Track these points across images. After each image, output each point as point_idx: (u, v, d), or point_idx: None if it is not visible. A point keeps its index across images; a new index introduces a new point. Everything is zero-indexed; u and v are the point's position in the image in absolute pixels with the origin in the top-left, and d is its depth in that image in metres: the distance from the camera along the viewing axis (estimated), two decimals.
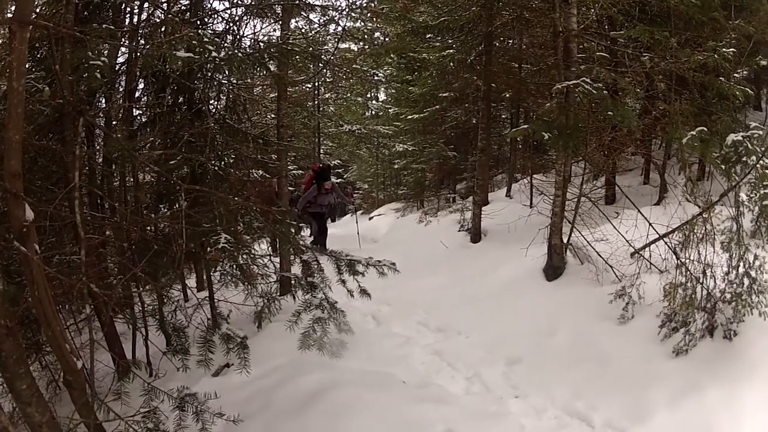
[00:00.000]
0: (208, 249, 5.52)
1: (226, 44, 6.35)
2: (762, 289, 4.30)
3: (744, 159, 4.70)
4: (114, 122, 6.60)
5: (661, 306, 4.97)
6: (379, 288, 6.34)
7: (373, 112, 24.33)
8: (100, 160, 6.20)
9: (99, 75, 4.27)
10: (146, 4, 6.27)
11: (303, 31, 8.81)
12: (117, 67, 6.26)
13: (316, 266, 5.37)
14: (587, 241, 6.79)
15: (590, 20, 7.69)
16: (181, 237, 4.53)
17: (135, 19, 6.35)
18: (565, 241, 6.97)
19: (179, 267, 4.98)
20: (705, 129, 5.30)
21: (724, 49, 6.24)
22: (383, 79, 21.75)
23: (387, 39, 17.73)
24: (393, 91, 21.81)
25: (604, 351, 5.07)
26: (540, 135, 6.61)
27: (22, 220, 3.01)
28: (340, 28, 8.91)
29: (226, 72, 6.37)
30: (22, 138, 3.04)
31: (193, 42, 4.87)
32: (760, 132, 4.88)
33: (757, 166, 4.69)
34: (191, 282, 8.11)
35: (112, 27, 5.23)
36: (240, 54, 5.82)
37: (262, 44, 6.47)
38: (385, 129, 21.04)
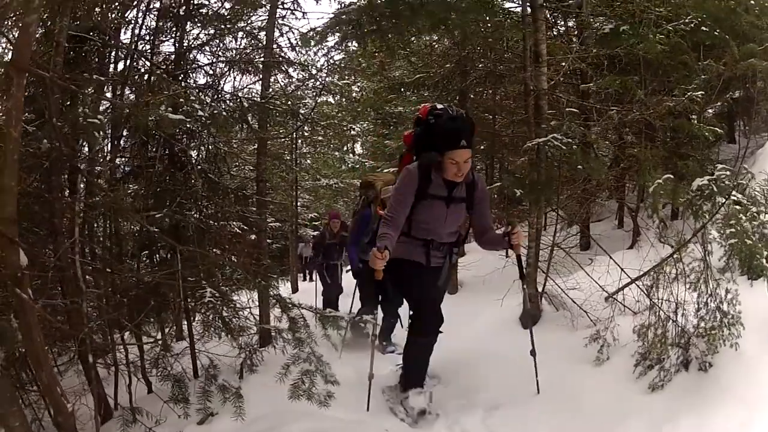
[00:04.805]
0: (192, 303, 5.63)
1: (208, 98, 6.52)
2: (733, 322, 4.43)
3: (713, 198, 4.90)
4: (98, 169, 6.65)
5: (635, 346, 5.09)
6: None
7: (350, 166, 24.55)
8: (82, 206, 6.23)
9: (97, 134, 4.33)
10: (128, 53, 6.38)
11: (282, 85, 8.98)
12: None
13: (302, 323, 5.50)
14: (561, 289, 6.93)
15: (562, 73, 7.93)
16: (179, 295, 4.66)
17: (120, 66, 6.47)
18: (540, 289, 7.11)
19: (177, 319, 5.02)
20: (671, 176, 5.51)
21: (693, 93, 6.49)
22: (359, 133, 22.06)
23: (363, 94, 18.04)
24: (369, 144, 22.08)
25: (581, 392, 5.13)
26: (512, 191, 6.81)
27: (17, 266, 3.07)
28: (318, 84, 9.15)
29: (210, 129, 6.50)
30: (17, 185, 3.12)
31: (180, 100, 5.00)
32: (727, 173, 5.09)
33: (724, 205, 4.89)
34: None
35: (101, 77, 5.32)
36: (224, 113, 5.98)
37: (244, 102, 6.63)
38: None
